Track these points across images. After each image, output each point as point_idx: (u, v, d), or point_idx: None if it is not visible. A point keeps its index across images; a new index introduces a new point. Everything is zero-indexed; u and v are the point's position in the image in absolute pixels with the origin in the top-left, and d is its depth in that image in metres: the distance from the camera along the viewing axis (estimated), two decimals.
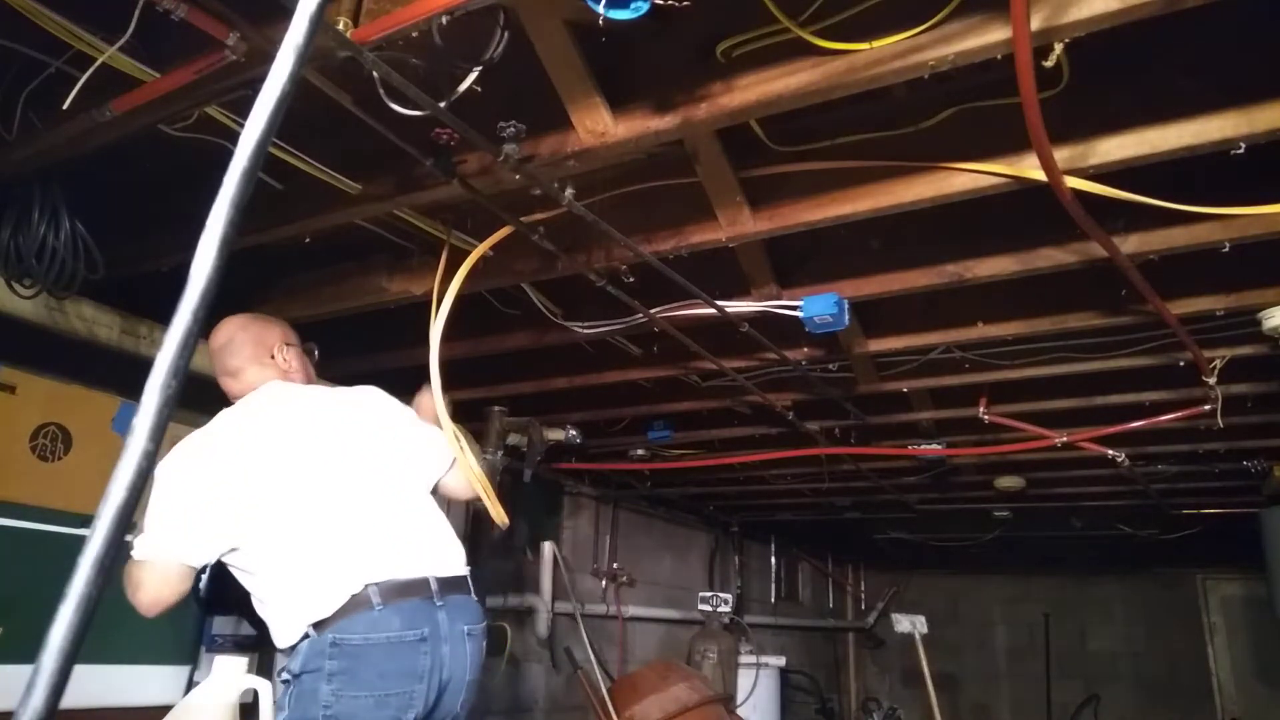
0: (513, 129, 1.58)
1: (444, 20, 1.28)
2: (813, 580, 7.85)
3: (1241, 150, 1.54)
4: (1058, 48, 1.33)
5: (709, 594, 5.23)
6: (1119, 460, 3.54)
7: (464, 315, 2.19)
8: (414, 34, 1.34)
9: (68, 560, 0.45)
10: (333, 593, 1.67)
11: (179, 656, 2.55)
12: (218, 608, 2.65)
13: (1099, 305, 2.37)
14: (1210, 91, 1.54)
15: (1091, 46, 1.38)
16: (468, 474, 1.99)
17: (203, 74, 1.50)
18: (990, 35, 1.33)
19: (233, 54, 1.43)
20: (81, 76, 1.54)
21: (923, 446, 3.77)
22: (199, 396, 1.99)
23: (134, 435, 0.49)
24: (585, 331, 2.63)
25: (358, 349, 3.03)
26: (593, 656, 4.63)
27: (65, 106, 1.59)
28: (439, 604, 1.72)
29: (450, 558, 1.82)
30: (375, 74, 1.38)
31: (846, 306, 2.26)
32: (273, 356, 1.94)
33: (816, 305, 2.24)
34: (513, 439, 3.66)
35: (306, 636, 1.66)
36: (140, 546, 1.64)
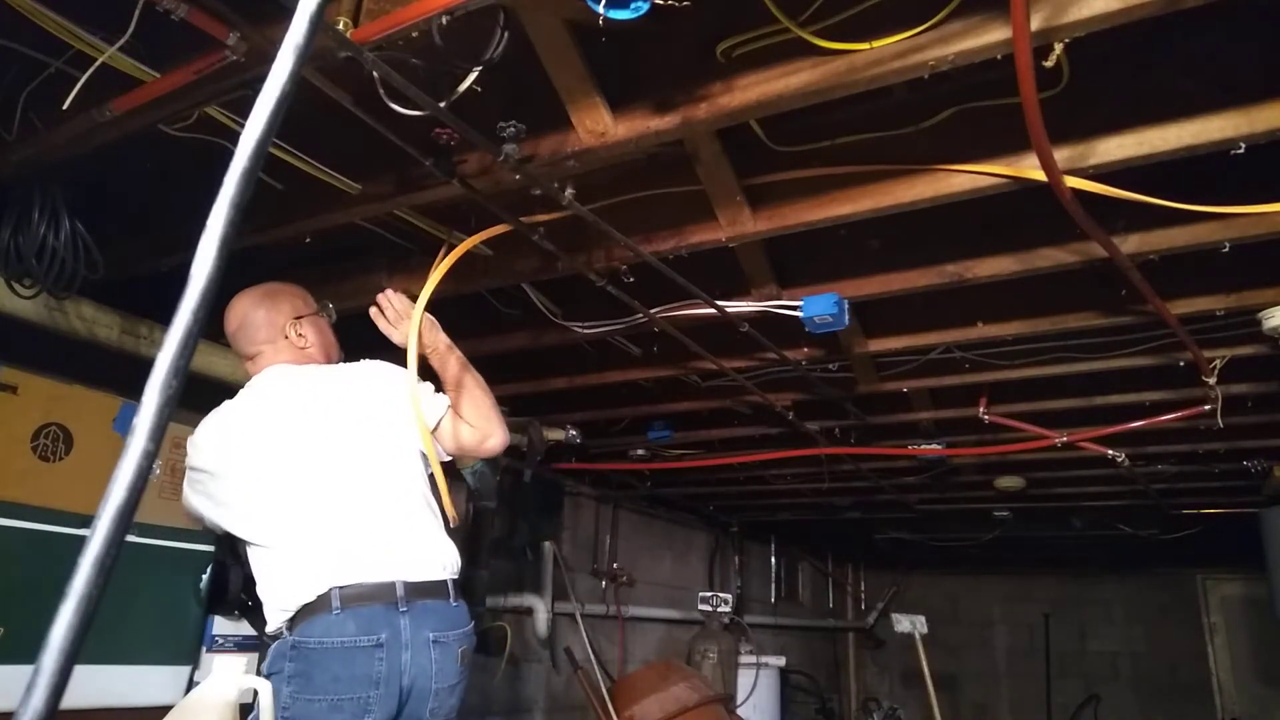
0: (513, 129, 1.58)
1: (444, 20, 1.28)
2: (813, 580, 7.85)
3: (1241, 150, 1.54)
4: (1058, 48, 1.33)
5: (709, 594, 5.24)
6: (1119, 460, 3.54)
7: (464, 315, 2.19)
8: (414, 34, 1.34)
9: (68, 560, 0.45)
10: (298, 592, 1.69)
11: (179, 656, 2.55)
12: (218, 608, 2.67)
13: (1099, 305, 2.37)
14: (1210, 91, 1.54)
15: (1091, 46, 1.38)
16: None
17: (203, 74, 1.50)
18: (990, 35, 1.33)
19: (233, 54, 1.43)
20: (81, 76, 1.54)
21: (923, 446, 3.77)
22: (199, 396, 2.00)
23: (134, 435, 0.49)
24: (585, 331, 2.63)
25: (358, 349, 3.03)
26: (593, 656, 4.63)
27: (65, 106, 1.58)
28: (403, 609, 1.70)
29: (425, 562, 1.79)
30: (375, 74, 1.38)
31: (846, 306, 2.26)
32: (286, 336, 1.95)
33: (816, 305, 2.24)
34: (513, 439, 3.66)
35: (281, 634, 1.70)
36: None
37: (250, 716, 1.58)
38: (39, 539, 2.26)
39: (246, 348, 1.95)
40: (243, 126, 0.56)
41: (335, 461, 1.81)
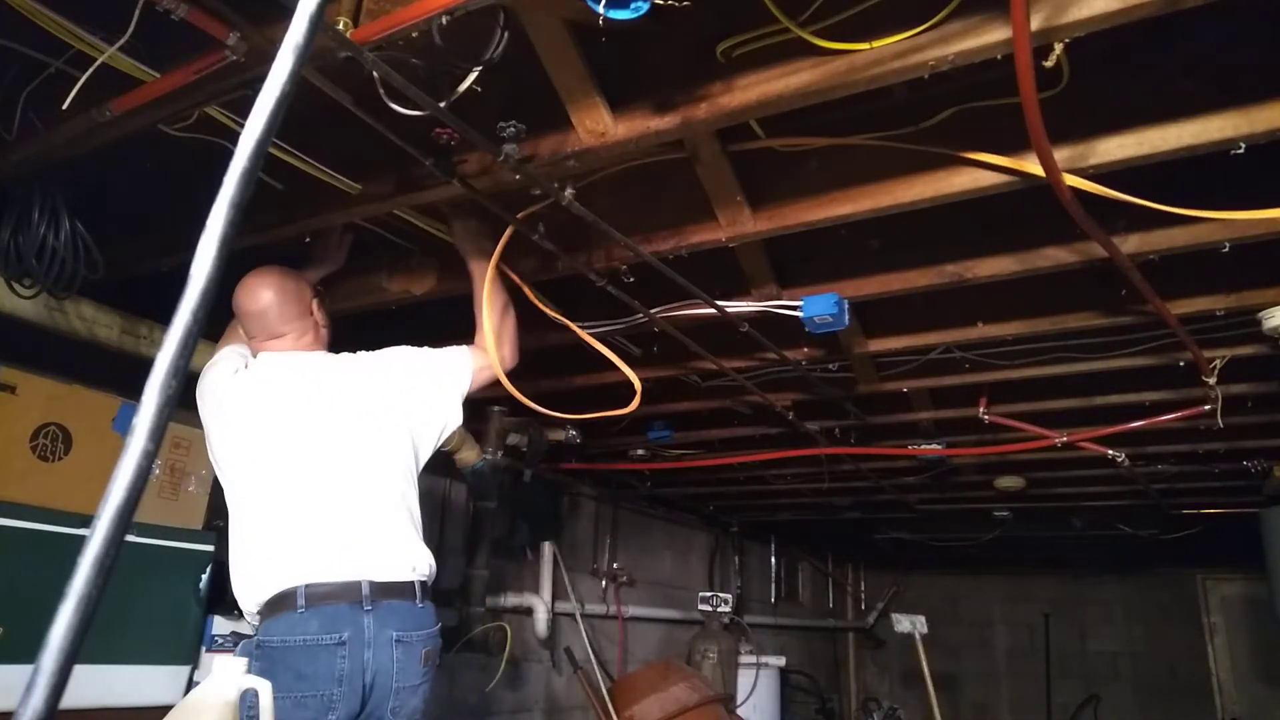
0: (513, 129, 1.58)
1: (444, 20, 1.28)
2: (813, 580, 7.85)
3: (1241, 150, 1.54)
4: (1058, 48, 1.33)
5: (709, 594, 5.24)
6: (1119, 460, 3.54)
7: (464, 315, 2.19)
8: (414, 34, 1.34)
9: (68, 560, 0.45)
10: (267, 583, 1.73)
11: (179, 656, 2.55)
12: (218, 607, 2.67)
13: (1099, 305, 2.37)
14: (1210, 91, 1.54)
15: (1091, 46, 1.38)
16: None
17: (203, 74, 1.50)
18: (990, 35, 1.33)
19: (233, 54, 1.43)
20: (81, 76, 1.54)
21: (923, 446, 3.77)
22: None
23: (134, 435, 0.49)
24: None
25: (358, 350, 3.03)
26: (593, 656, 4.63)
27: (65, 106, 1.58)
28: (367, 609, 1.71)
29: (392, 562, 1.80)
30: (375, 74, 1.38)
31: (846, 306, 2.26)
32: (312, 313, 1.97)
33: (816, 305, 2.24)
34: (513, 439, 3.66)
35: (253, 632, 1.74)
36: None
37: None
38: (39, 539, 2.26)
39: (276, 326, 1.96)
40: (243, 126, 0.56)
41: (320, 459, 1.83)
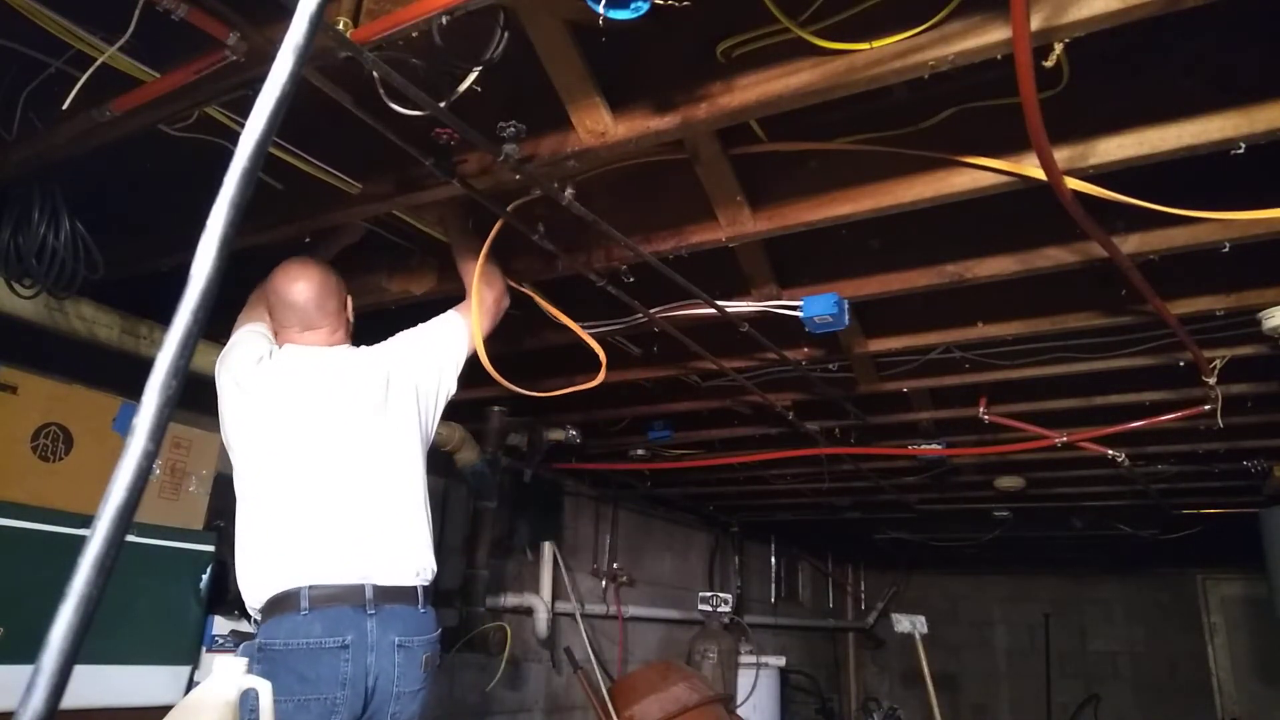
0: (513, 129, 1.58)
1: (444, 20, 1.28)
2: (813, 580, 7.85)
3: (1241, 150, 1.54)
4: (1058, 48, 1.33)
5: (709, 594, 5.24)
6: (1119, 460, 3.54)
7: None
8: (414, 34, 1.34)
9: (68, 560, 0.45)
10: (271, 581, 1.72)
11: (179, 656, 2.55)
12: (218, 607, 2.67)
13: (1099, 305, 2.37)
14: (1210, 91, 1.54)
15: (1091, 46, 1.38)
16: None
17: (203, 74, 1.50)
18: (990, 35, 1.33)
19: (233, 54, 1.43)
20: (81, 76, 1.54)
21: (923, 446, 3.77)
22: (199, 396, 2.00)
23: (134, 435, 0.49)
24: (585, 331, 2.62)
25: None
26: (593, 656, 4.63)
27: (65, 106, 1.58)
28: (370, 612, 1.71)
29: (397, 567, 1.80)
30: (375, 74, 1.38)
31: (846, 306, 2.26)
32: (345, 307, 1.99)
33: (816, 305, 2.24)
34: (513, 439, 3.66)
35: (256, 629, 1.74)
36: None
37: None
38: (39, 539, 2.25)
39: (316, 318, 1.96)
40: (243, 126, 0.56)
41: (330, 459, 1.82)
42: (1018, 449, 3.53)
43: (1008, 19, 1.26)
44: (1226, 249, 1.88)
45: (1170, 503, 4.80)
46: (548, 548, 4.54)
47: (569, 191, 1.79)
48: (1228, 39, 1.55)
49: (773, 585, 7.13)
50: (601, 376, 2.34)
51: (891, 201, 1.84)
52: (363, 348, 2.02)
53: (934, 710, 5.04)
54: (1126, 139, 1.61)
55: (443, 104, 1.45)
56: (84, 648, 0.44)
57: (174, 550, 2.56)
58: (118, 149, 1.81)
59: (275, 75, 0.57)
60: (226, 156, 0.55)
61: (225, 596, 2.64)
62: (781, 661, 5.77)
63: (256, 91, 0.57)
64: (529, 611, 4.32)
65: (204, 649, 2.62)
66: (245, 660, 1.69)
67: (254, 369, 1.90)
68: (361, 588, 1.72)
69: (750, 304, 2.38)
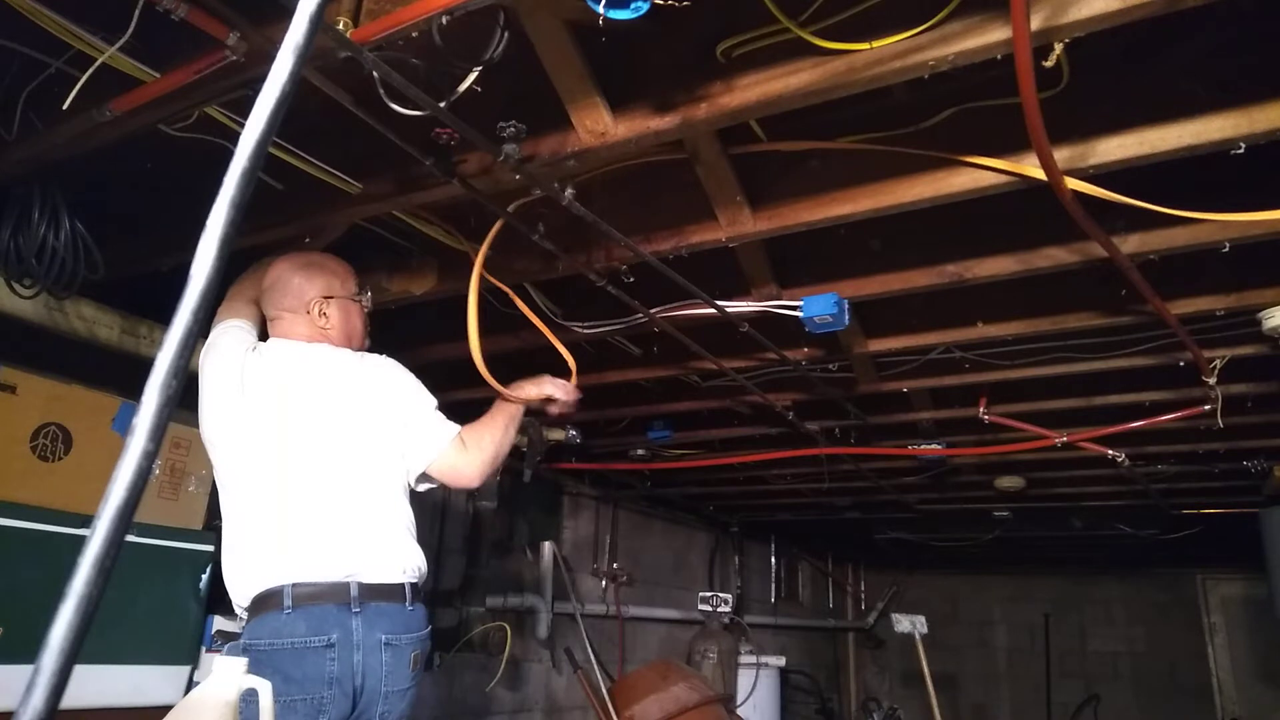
0: (513, 129, 1.58)
1: (444, 20, 1.28)
2: (813, 580, 7.85)
3: (1241, 150, 1.54)
4: (1058, 48, 1.33)
5: (709, 594, 5.24)
6: (1119, 460, 3.54)
7: (463, 316, 2.19)
8: (414, 34, 1.34)
9: (68, 560, 0.45)
10: (255, 579, 1.71)
11: (179, 656, 2.55)
12: (218, 607, 2.67)
13: (1099, 305, 2.37)
14: (1210, 91, 1.54)
15: (1091, 46, 1.38)
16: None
17: (203, 74, 1.50)
18: (990, 35, 1.33)
19: (233, 54, 1.43)
20: (82, 76, 1.54)
21: (923, 446, 3.77)
22: (199, 395, 2.00)
23: (134, 435, 0.49)
24: (585, 331, 2.63)
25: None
26: (593, 656, 4.63)
27: (65, 106, 1.59)
28: (355, 610, 1.69)
29: (382, 564, 1.78)
30: (375, 74, 1.38)
31: (846, 306, 2.26)
32: (309, 311, 1.96)
33: (816, 305, 2.24)
34: (513, 439, 3.66)
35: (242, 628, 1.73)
36: None
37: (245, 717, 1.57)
38: (39, 539, 2.26)
39: (269, 309, 1.99)
40: (243, 126, 0.56)
41: (311, 454, 1.82)
42: (1018, 449, 3.53)
43: (1008, 19, 1.26)
44: (1226, 249, 1.88)
45: (1170, 503, 4.80)
46: (548, 548, 4.54)
47: (569, 191, 1.79)
48: (1228, 39, 1.55)
49: (773, 585, 7.13)
50: (574, 383, 2.30)
51: (891, 201, 1.84)
52: (346, 352, 2.01)
53: (934, 710, 5.04)
54: (1126, 139, 1.61)
55: (443, 104, 1.45)
56: (84, 648, 0.44)
57: (174, 550, 2.56)
58: (118, 149, 1.81)
59: (275, 75, 0.57)
60: (226, 156, 0.55)
61: (225, 596, 2.64)
62: (781, 661, 5.77)
63: (256, 91, 0.57)
64: (529, 611, 4.32)
65: (204, 649, 2.62)
66: (245, 660, 1.69)
67: (241, 359, 1.89)
68: (346, 585, 1.70)
69: (750, 304, 2.38)
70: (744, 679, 5.27)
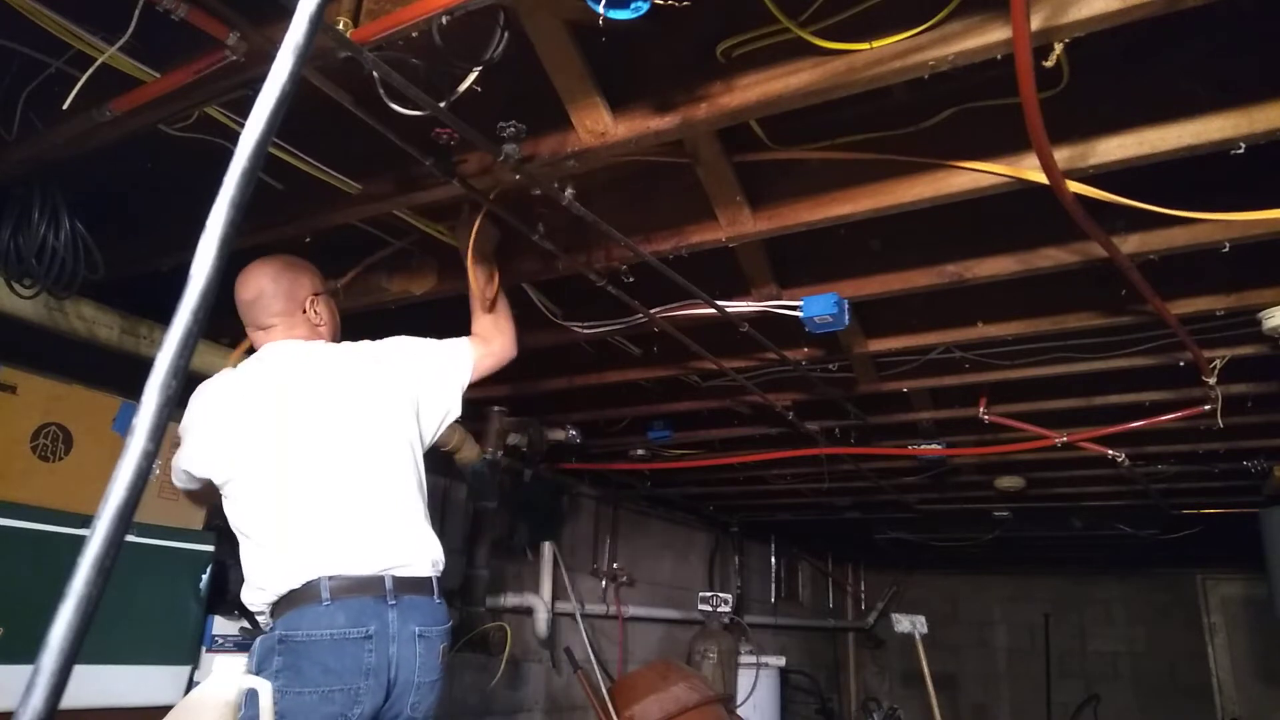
0: (513, 129, 1.58)
1: (444, 20, 1.28)
2: (813, 580, 7.85)
3: (1241, 150, 1.54)
4: (1058, 48, 1.33)
5: (709, 594, 5.24)
6: (1119, 460, 3.54)
7: (464, 316, 2.19)
8: (414, 34, 1.34)
9: (68, 560, 0.45)
10: (285, 577, 1.71)
11: (179, 656, 2.55)
12: (218, 607, 2.67)
13: (1099, 305, 2.37)
14: (1210, 91, 1.54)
15: (1091, 46, 1.38)
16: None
17: (203, 74, 1.50)
18: (990, 35, 1.33)
19: (233, 54, 1.43)
20: (82, 76, 1.54)
21: (923, 446, 3.77)
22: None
23: (134, 435, 0.49)
24: (585, 331, 2.63)
25: None
26: (593, 656, 4.63)
27: (65, 106, 1.59)
28: (391, 603, 1.72)
29: (413, 557, 1.80)
30: (375, 74, 1.38)
31: (846, 306, 2.26)
32: (304, 311, 1.95)
33: (816, 305, 2.24)
34: (513, 439, 3.66)
35: (270, 626, 1.72)
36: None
37: (245, 716, 1.57)
38: (39, 539, 2.25)
39: (261, 318, 1.95)
40: (243, 126, 0.56)
41: (333, 448, 1.82)
42: (1018, 449, 3.53)
43: (1008, 19, 1.26)
44: (1226, 249, 1.88)
45: (1170, 503, 4.80)
46: (548, 548, 4.54)
47: (569, 191, 1.80)
48: (1228, 39, 1.55)
49: (773, 585, 7.13)
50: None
51: (891, 201, 1.84)
52: (345, 344, 2.01)
53: (934, 710, 5.04)
54: (1126, 139, 1.61)
55: (443, 104, 1.45)
56: (84, 648, 0.44)
57: (174, 550, 2.56)
58: (118, 149, 1.81)
59: (275, 75, 0.57)
60: (226, 156, 0.55)
61: (225, 596, 2.64)
62: (781, 661, 5.77)
63: (256, 91, 0.57)
64: (529, 611, 4.32)
65: (204, 649, 2.62)
66: (252, 657, 1.69)
67: (229, 383, 1.88)
68: (381, 578, 1.73)
69: (750, 304, 2.38)
70: (744, 679, 5.27)
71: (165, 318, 0.51)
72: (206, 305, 0.52)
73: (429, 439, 2.01)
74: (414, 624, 1.74)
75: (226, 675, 1.63)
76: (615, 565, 5.18)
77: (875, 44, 1.39)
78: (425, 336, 2.13)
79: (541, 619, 4.29)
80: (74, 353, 2.43)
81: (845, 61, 1.43)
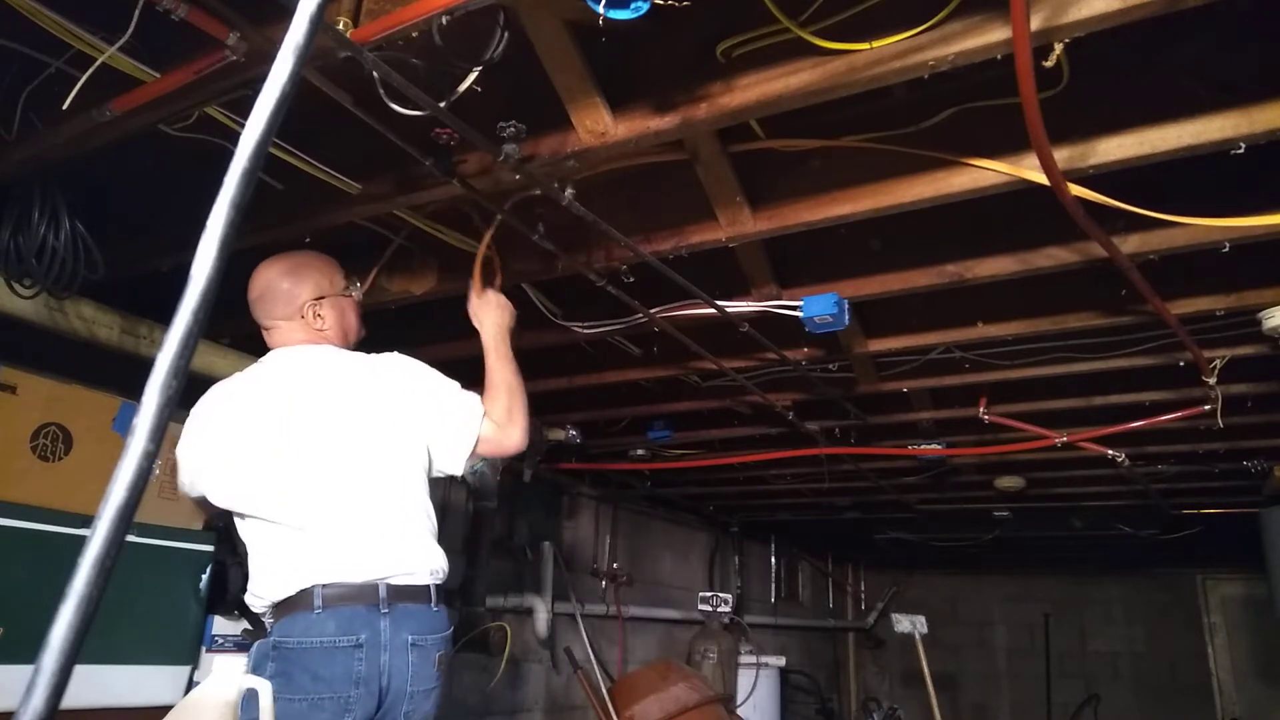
0: (513, 129, 1.58)
1: (444, 20, 1.28)
2: (813, 580, 7.85)
3: (1241, 150, 1.54)
4: (1058, 48, 1.33)
5: (709, 594, 5.24)
6: (1119, 460, 3.54)
7: (463, 316, 2.19)
8: (414, 34, 1.34)
9: (68, 560, 0.45)
10: (280, 583, 1.71)
11: (179, 656, 2.55)
12: (218, 607, 2.67)
13: (1099, 305, 2.37)
14: (1210, 91, 1.54)
15: (1091, 46, 1.38)
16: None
17: (203, 74, 1.50)
18: (990, 35, 1.33)
19: (233, 54, 1.43)
20: (82, 76, 1.54)
21: (923, 446, 3.77)
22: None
23: (134, 435, 0.49)
24: (585, 331, 2.63)
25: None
26: (593, 656, 4.64)
27: (65, 106, 1.58)
28: (384, 611, 1.71)
29: (410, 566, 1.79)
30: (375, 74, 1.38)
31: (846, 306, 2.26)
32: (303, 316, 1.93)
33: (816, 305, 2.24)
34: None
35: (266, 630, 1.72)
36: None
37: (244, 717, 1.57)
38: (39, 539, 2.25)
39: (263, 319, 1.94)
40: (243, 126, 0.56)
41: (332, 455, 1.81)
42: (1018, 449, 3.53)
43: (1008, 19, 1.26)
44: (1226, 249, 1.88)
45: (1170, 503, 4.80)
46: (548, 548, 4.54)
47: (569, 191, 1.79)
48: (1228, 39, 1.55)
49: (773, 585, 7.13)
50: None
51: (891, 201, 1.84)
52: (350, 353, 1.99)
53: (934, 710, 5.04)
54: (1126, 139, 1.61)
55: (443, 104, 1.45)
56: (84, 648, 0.44)
57: (174, 550, 2.56)
58: (118, 149, 1.81)
59: (275, 75, 0.57)
60: (226, 156, 0.55)
61: (225, 596, 2.64)
62: (781, 661, 5.77)
63: (256, 91, 0.57)
64: (529, 611, 4.32)
65: (204, 649, 2.62)
66: (244, 660, 1.69)
67: (229, 390, 1.87)
68: (375, 586, 1.72)
69: (750, 304, 2.38)
70: (744, 679, 5.27)
71: (165, 318, 0.51)
72: (207, 305, 0.52)
73: (426, 463, 1.96)
74: (407, 632, 1.73)
75: (226, 675, 1.62)
76: (615, 565, 5.18)
77: (875, 44, 1.39)
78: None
79: (541, 619, 4.29)
80: (74, 353, 2.43)
81: (845, 61, 1.43)
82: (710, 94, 1.56)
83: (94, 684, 2.30)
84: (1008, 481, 4.53)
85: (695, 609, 5.27)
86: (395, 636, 1.71)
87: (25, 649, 2.13)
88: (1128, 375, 2.84)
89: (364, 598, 1.71)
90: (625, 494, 5.28)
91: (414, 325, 2.82)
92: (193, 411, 1.88)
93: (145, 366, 0.49)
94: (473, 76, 1.43)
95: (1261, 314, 2.23)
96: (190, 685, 2.54)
